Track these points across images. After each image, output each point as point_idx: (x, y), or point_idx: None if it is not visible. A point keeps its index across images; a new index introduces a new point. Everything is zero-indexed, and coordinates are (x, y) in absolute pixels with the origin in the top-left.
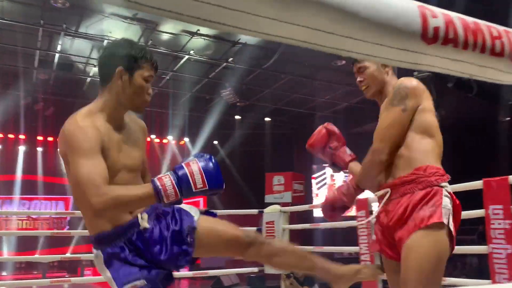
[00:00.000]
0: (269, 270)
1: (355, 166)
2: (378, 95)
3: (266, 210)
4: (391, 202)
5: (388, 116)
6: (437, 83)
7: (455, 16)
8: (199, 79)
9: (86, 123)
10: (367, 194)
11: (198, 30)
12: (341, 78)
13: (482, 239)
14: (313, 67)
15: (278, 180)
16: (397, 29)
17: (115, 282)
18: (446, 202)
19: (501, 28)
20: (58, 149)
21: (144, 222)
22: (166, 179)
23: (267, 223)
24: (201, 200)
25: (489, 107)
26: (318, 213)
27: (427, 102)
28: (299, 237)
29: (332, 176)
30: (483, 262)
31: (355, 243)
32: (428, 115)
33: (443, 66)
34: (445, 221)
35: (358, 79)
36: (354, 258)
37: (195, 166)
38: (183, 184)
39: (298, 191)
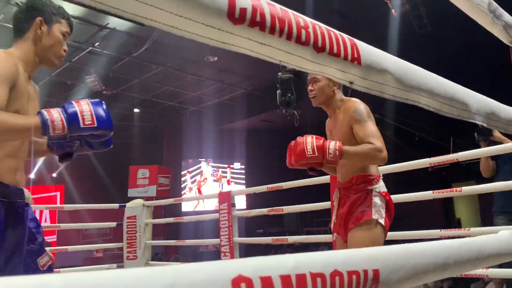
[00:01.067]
0: (128, 266)
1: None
2: (324, 105)
3: (128, 204)
4: (342, 199)
5: (370, 127)
6: (297, 84)
7: (264, 1)
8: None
9: (8, 57)
10: (230, 188)
11: (61, 8)
12: (213, 74)
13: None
14: (185, 61)
15: (142, 173)
16: (203, 4)
17: None
18: (376, 201)
19: (309, 20)
20: None
21: (30, 198)
22: (54, 112)
23: (128, 217)
24: (57, 194)
25: None
26: (186, 207)
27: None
28: (165, 231)
29: (202, 172)
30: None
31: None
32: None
33: (252, 49)
34: (376, 217)
35: (309, 88)
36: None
37: (85, 105)
38: (72, 119)
39: (164, 184)
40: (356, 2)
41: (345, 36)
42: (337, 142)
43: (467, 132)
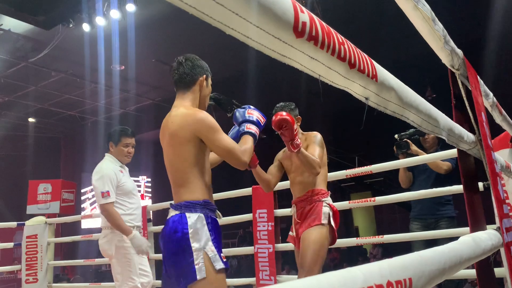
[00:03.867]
0: None
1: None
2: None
3: (27, 222)
4: (297, 212)
5: (320, 152)
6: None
7: (314, 16)
8: None
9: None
10: (145, 203)
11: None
12: (119, 83)
13: (242, 241)
14: (89, 68)
15: (44, 188)
16: (275, 15)
17: (215, 245)
18: (325, 210)
19: (342, 37)
20: (176, 132)
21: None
22: (252, 127)
23: (28, 237)
24: None
25: None
26: (86, 224)
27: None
28: (62, 251)
29: None
30: (241, 262)
31: None
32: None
33: (303, 63)
34: (324, 222)
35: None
36: None
37: (253, 111)
38: (260, 126)
39: (68, 200)
40: None
41: (365, 54)
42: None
43: (368, 153)
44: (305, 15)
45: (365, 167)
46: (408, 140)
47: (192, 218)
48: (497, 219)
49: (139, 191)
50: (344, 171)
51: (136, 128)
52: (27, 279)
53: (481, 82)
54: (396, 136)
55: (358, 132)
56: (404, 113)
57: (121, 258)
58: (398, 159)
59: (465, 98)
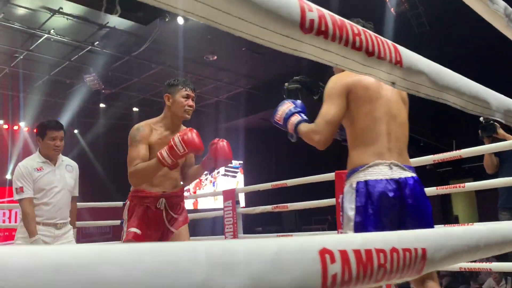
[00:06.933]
0: None
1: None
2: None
3: None
4: (175, 205)
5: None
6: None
7: (326, 12)
8: (59, 61)
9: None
10: (233, 185)
11: (61, 8)
12: (212, 72)
13: (331, 227)
14: (185, 60)
15: None
16: (281, 16)
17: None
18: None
19: (360, 28)
20: (406, 99)
21: None
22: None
23: None
24: None
25: None
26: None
27: None
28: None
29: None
30: None
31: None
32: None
33: (316, 55)
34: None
35: (192, 103)
36: None
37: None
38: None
39: None
40: (354, 1)
41: (389, 41)
42: None
43: (468, 135)
44: (314, 13)
45: (454, 151)
46: (496, 123)
47: None
48: None
49: (235, 176)
50: (432, 156)
51: (229, 116)
52: None
53: None
54: (481, 118)
55: (457, 117)
56: (441, 96)
57: None
58: (483, 143)
59: None
